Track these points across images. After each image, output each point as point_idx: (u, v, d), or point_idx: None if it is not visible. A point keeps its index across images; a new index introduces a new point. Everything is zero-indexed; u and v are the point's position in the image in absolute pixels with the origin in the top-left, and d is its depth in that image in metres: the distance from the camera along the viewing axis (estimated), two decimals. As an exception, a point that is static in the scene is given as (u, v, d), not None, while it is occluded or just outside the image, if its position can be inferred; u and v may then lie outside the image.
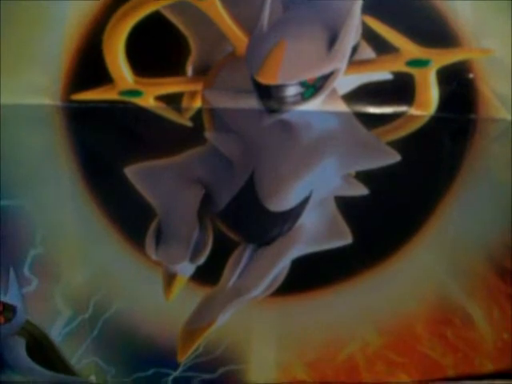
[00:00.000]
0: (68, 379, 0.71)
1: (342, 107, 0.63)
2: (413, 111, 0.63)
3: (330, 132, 0.63)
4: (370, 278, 0.68)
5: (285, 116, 0.62)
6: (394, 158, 0.64)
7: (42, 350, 0.70)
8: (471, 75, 0.64)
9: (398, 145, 0.64)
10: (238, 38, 0.63)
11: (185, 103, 0.63)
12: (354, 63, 0.62)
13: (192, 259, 0.67)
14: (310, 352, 0.71)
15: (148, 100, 0.63)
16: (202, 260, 0.67)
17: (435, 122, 0.63)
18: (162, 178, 0.66)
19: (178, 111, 0.63)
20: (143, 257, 0.68)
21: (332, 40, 0.61)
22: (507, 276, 0.69)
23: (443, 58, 0.63)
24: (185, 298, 0.68)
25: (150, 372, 0.71)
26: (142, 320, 0.69)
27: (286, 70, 0.60)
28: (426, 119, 0.63)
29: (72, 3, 0.64)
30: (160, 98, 0.63)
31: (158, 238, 0.67)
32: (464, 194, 0.66)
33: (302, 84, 0.61)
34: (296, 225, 0.67)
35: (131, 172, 0.65)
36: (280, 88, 0.61)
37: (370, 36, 0.63)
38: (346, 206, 0.66)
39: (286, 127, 0.63)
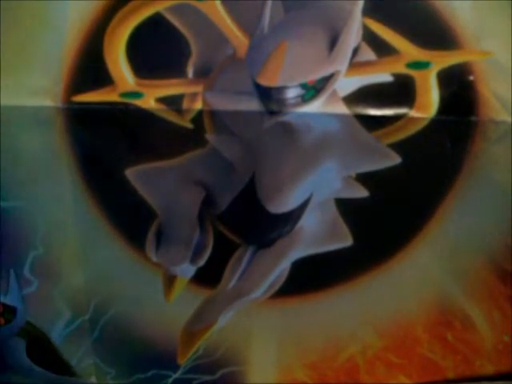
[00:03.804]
0: (68, 380, 0.71)
1: (342, 109, 0.63)
2: (413, 113, 0.63)
3: (330, 134, 0.63)
4: (370, 280, 0.68)
5: (285, 118, 0.62)
6: (395, 160, 0.64)
7: (42, 351, 0.70)
8: (471, 77, 0.64)
9: (399, 147, 0.64)
10: (239, 40, 0.63)
11: (185, 105, 0.63)
12: (355, 65, 0.62)
13: (192, 261, 0.67)
14: (310, 354, 0.71)
15: (149, 102, 0.63)
16: (202, 262, 0.67)
17: (436, 124, 0.63)
18: (162, 180, 0.66)
19: (179, 113, 0.63)
20: (144, 258, 0.68)
21: (333, 42, 0.61)
22: (507, 278, 0.69)
23: (443, 60, 0.63)
24: (185, 300, 0.68)
25: (150, 373, 0.71)
26: (142, 321, 0.69)
27: (287, 71, 0.60)
28: (426, 121, 0.63)
29: (73, 4, 0.64)
30: (161, 100, 0.63)
31: (159, 240, 0.67)
32: (464, 196, 0.66)
33: (303, 86, 0.61)
34: (296, 227, 0.67)
35: (132, 174, 0.65)
36: (280, 90, 0.61)
37: (370, 38, 0.63)
38: (346, 208, 0.66)
39: (287, 129, 0.63)
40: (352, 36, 0.61)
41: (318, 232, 0.67)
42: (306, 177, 0.64)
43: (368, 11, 0.62)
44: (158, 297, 0.68)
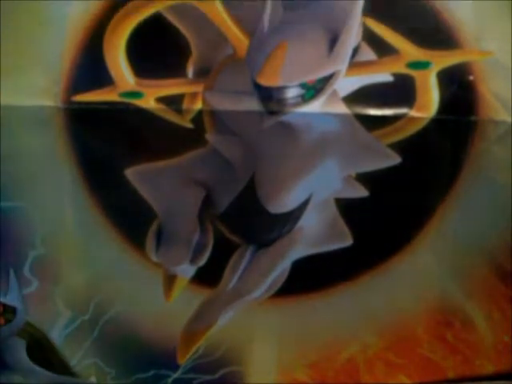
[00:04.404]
0: (68, 380, 0.71)
1: (342, 109, 0.63)
2: (413, 113, 0.63)
3: (330, 134, 0.63)
4: (370, 280, 0.68)
5: (285, 118, 0.62)
6: (395, 159, 0.64)
7: (42, 351, 0.70)
8: (471, 77, 0.64)
9: (399, 147, 0.64)
10: (239, 40, 0.63)
11: (185, 105, 0.63)
12: (355, 65, 0.62)
13: (192, 261, 0.67)
14: (310, 353, 0.71)
15: (149, 101, 0.63)
16: (202, 261, 0.67)
17: (436, 124, 0.63)
18: (162, 180, 0.66)
19: (179, 113, 0.63)
20: (144, 258, 0.68)
21: (333, 42, 0.61)
22: (507, 278, 0.69)
23: (443, 59, 0.63)
24: (185, 300, 0.68)
25: (150, 373, 0.71)
26: (142, 321, 0.69)
27: (287, 71, 0.60)
28: (426, 121, 0.63)
29: (73, 4, 0.64)
30: (161, 100, 0.63)
31: (159, 240, 0.67)
32: (464, 195, 0.66)
33: (303, 86, 0.61)
34: (296, 227, 0.67)
35: (132, 174, 0.65)
36: (281, 90, 0.61)
37: (370, 38, 0.63)
38: (347, 207, 0.66)
39: (287, 129, 0.63)
40: (352, 36, 0.61)
41: (317, 232, 0.67)
42: (306, 177, 0.64)
43: (368, 11, 0.62)
44: (158, 296, 0.68)
